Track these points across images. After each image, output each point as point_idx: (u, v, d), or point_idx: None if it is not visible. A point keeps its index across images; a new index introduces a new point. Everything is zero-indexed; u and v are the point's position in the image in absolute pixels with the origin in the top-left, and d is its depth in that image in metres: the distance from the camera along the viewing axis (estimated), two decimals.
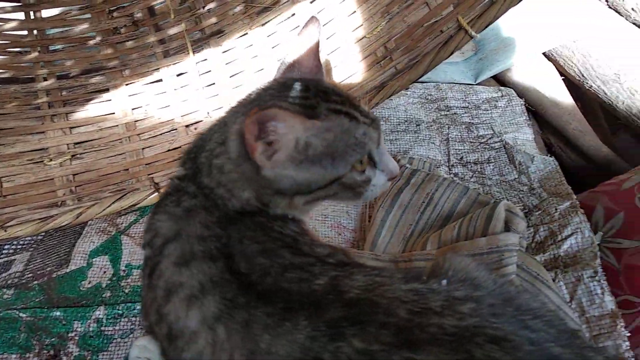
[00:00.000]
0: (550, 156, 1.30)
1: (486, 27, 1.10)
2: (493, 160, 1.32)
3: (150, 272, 0.65)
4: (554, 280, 1.00)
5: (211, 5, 1.43)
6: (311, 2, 1.35)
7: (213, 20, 1.42)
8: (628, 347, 0.90)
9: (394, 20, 1.24)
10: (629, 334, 0.91)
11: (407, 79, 1.17)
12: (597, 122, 1.66)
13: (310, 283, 0.59)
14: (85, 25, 1.43)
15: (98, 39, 1.43)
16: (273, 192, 0.69)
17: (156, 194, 1.25)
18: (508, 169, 1.30)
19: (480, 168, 1.31)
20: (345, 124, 0.68)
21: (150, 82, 1.40)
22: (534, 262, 1.02)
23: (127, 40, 1.43)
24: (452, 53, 1.14)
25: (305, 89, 0.71)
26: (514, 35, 1.65)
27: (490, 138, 1.38)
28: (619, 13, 1.65)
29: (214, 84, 1.38)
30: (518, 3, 1.06)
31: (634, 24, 1.64)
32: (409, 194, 1.20)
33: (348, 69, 1.27)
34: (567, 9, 1.65)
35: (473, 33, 1.10)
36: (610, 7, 1.67)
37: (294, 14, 1.35)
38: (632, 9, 1.64)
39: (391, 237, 1.15)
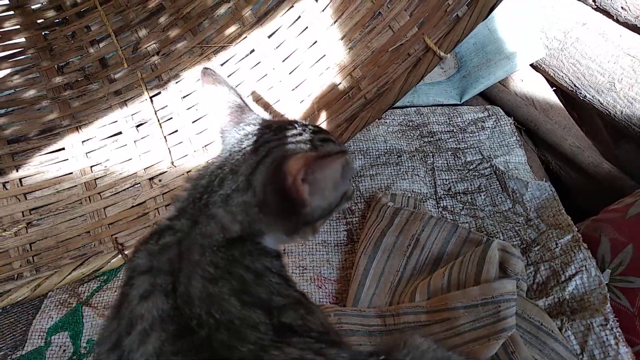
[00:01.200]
0: (545, 180, 1.19)
1: (455, 45, 0.99)
2: (484, 189, 1.21)
3: (119, 303, 0.62)
4: (560, 329, 0.89)
5: (165, 51, 1.34)
6: (269, 37, 1.25)
7: (169, 65, 1.32)
8: None
9: (357, 48, 1.14)
10: None
11: (377, 109, 1.06)
12: (597, 134, 1.55)
13: (233, 351, 0.54)
14: (34, 86, 1.34)
15: (49, 98, 1.33)
16: (302, 224, 0.72)
17: (120, 255, 1.15)
18: (501, 197, 1.18)
19: (471, 198, 1.20)
20: (337, 146, 0.76)
21: (109, 137, 1.30)
22: (536, 309, 0.90)
23: (80, 95, 1.34)
24: (422, 77, 1.03)
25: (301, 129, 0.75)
26: (498, 48, 1.55)
27: (479, 164, 1.26)
28: (608, 14, 1.55)
29: (176, 131, 1.29)
30: (485, 18, 0.95)
31: (624, 23, 1.53)
32: (393, 237, 1.08)
33: (316, 102, 1.17)
34: (551, 16, 1.55)
35: (442, 53, 0.99)
36: (597, 9, 1.56)
37: (253, 51, 1.26)
38: (622, 7, 1.53)
39: (376, 288, 1.04)
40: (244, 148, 0.72)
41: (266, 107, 1.21)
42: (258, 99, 1.23)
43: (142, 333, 0.56)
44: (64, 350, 1.04)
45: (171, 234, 0.66)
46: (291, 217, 0.69)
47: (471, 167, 1.26)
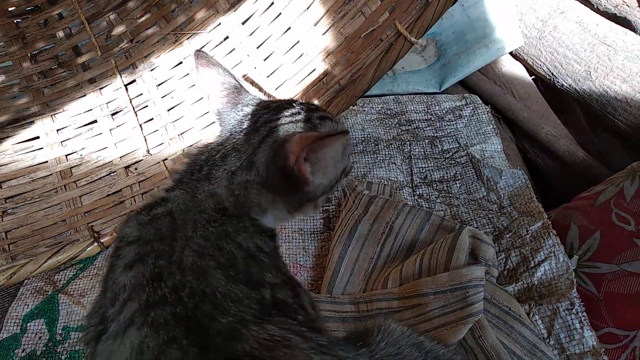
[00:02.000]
0: (519, 169, 1.20)
1: (425, 31, 0.99)
2: (460, 177, 1.22)
3: (105, 275, 0.63)
4: (528, 314, 0.90)
5: (139, 38, 1.33)
6: (243, 24, 1.25)
7: (143, 52, 1.31)
8: None
9: (330, 34, 1.13)
10: None
11: (351, 95, 1.07)
12: (576, 123, 1.56)
13: (214, 322, 0.53)
14: (6, 74, 1.32)
15: (22, 86, 1.32)
16: (305, 201, 0.74)
17: (96, 244, 1.15)
18: (476, 185, 1.19)
19: (447, 187, 1.21)
20: (335, 124, 0.78)
21: (84, 125, 1.29)
22: (505, 294, 0.91)
23: (54, 84, 1.33)
24: (394, 63, 1.03)
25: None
26: (477, 37, 1.55)
27: (455, 152, 1.27)
28: (587, 2, 1.55)
29: (152, 119, 1.28)
30: (454, 3, 0.96)
31: (604, 12, 1.54)
32: (368, 224, 1.09)
33: (290, 89, 1.17)
34: (530, 5, 1.55)
35: (412, 39, 0.99)
36: None
37: (227, 37, 1.25)
38: None
39: (350, 275, 1.05)
40: (245, 128, 0.74)
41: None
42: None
43: (122, 303, 0.56)
44: (40, 337, 1.04)
45: (164, 204, 0.67)
46: (294, 195, 0.72)
47: (447, 156, 1.27)
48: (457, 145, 1.29)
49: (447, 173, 1.23)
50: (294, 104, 0.77)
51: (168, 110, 1.28)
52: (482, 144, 1.29)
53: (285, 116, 0.74)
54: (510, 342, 0.86)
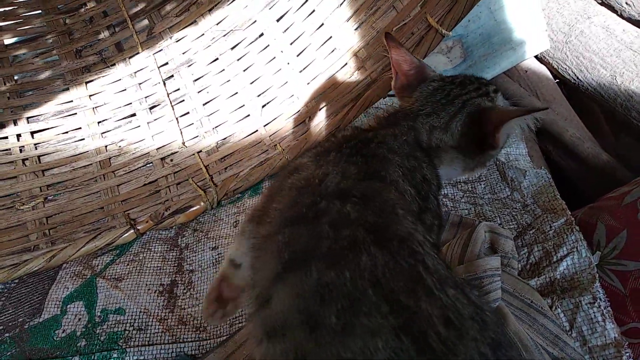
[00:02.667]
0: (542, 169, 1.22)
1: (456, 24, 1.04)
2: (484, 179, 1.25)
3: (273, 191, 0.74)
4: (551, 307, 0.93)
5: (178, 36, 1.38)
6: (277, 21, 1.29)
7: (181, 50, 1.37)
8: None
9: (363, 29, 1.18)
10: None
11: (382, 88, 1.11)
12: (598, 126, 1.58)
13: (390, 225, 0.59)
14: (52, 68, 1.39)
15: (67, 80, 1.38)
16: (482, 162, 0.86)
17: (132, 230, 1.20)
18: (500, 186, 1.22)
19: (472, 187, 1.24)
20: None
21: (124, 118, 1.35)
22: (527, 287, 0.94)
23: (97, 78, 1.39)
24: (426, 55, 1.08)
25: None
26: (504, 39, 1.58)
27: None
28: (612, 9, 1.57)
29: (188, 113, 1.33)
30: None
31: (628, 19, 1.56)
32: None
33: (323, 83, 1.21)
34: (557, 9, 1.57)
35: (444, 31, 1.04)
36: (602, 4, 1.59)
37: (262, 34, 1.30)
38: (627, 3, 1.56)
39: None
40: (440, 99, 0.85)
41: None
42: None
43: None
44: (79, 319, 1.09)
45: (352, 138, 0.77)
46: (475, 157, 0.84)
47: None
48: None
49: (471, 177, 1.26)
50: (472, 79, 0.88)
51: (203, 104, 1.33)
52: (507, 147, 1.31)
53: (471, 90, 0.84)
54: (533, 332, 0.88)
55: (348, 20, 1.20)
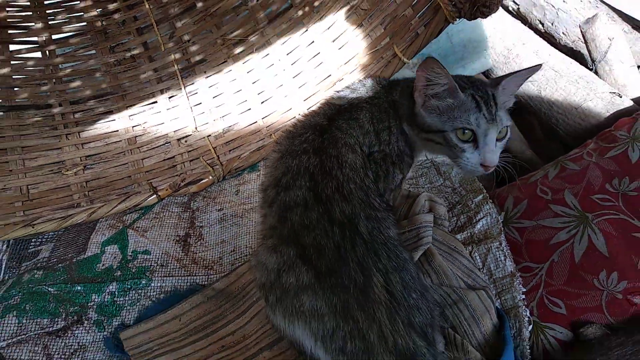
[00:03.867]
0: None
1: (414, 54, 1.38)
2: (424, 175, 1.59)
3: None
4: (470, 253, 1.28)
5: (194, 40, 1.72)
6: (283, 44, 1.64)
7: (197, 51, 1.71)
8: (523, 299, 1.16)
9: (345, 49, 1.54)
10: (524, 290, 1.18)
11: None
12: (533, 131, 1.95)
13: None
14: (91, 60, 1.71)
15: (103, 70, 1.71)
16: (414, 123, 1.06)
17: (154, 196, 1.52)
18: (436, 178, 1.57)
19: (415, 181, 1.58)
20: (468, 103, 1.01)
21: (147, 104, 1.68)
22: (453, 238, 1.29)
23: (127, 70, 1.72)
24: (392, 74, 1.42)
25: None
26: (457, 58, 1.94)
27: (424, 161, 1.64)
28: (552, 37, 1.95)
29: (200, 103, 1.67)
30: (437, 35, 1.35)
31: (564, 46, 1.94)
32: None
33: (311, 88, 1.56)
34: (499, 36, 1.95)
35: (405, 59, 1.38)
36: (542, 33, 1.97)
37: (267, 54, 1.65)
38: (563, 32, 1.94)
39: None
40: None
41: None
42: None
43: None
44: (115, 257, 1.40)
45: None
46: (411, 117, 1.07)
47: (418, 165, 1.64)
48: (425, 158, 1.66)
49: (416, 174, 1.60)
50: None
51: (213, 97, 1.66)
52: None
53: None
54: (454, 267, 1.23)
55: (334, 41, 1.55)
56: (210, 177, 1.55)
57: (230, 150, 1.61)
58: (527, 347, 1.11)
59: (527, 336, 1.12)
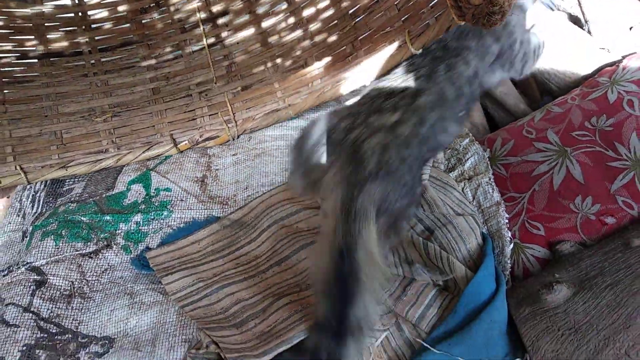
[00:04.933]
0: None
1: (423, 46, 1.40)
2: None
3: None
4: (462, 189, 1.40)
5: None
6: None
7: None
8: (507, 223, 1.29)
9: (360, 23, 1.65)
10: (508, 217, 1.31)
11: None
12: (528, 89, 2.06)
13: None
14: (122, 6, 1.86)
15: (129, 17, 1.85)
16: None
17: (175, 147, 1.65)
18: None
19: None
20: None
21: (171, 54, 1.82)
22: (446, 175, 1.43)
23: (151, 19, 1.86)
24: (398, 64, 1.39)
25: None
26: None
27: None
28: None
29: (222, 57, 1.80)
30: (446, 31, 1.30)
31: (563, 11, 2.04)
32: None
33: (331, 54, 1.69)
34: None
35: (413, 50, 1.42)
36: None
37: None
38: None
39: None
40: None
41: None
42: None
43: None
44: (139, 193, 1.55)
45: None
46: None
47: None
48: None
49: None
50: None
51: (234, 53, 1.80)
52: None
53: None
54: (446, 198, 1.36)
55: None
56: (226, 135, 1.67)
57: (246, 109, 1.73)
58: (508, 262, 1.24)
59: (508, 253, 1.24)
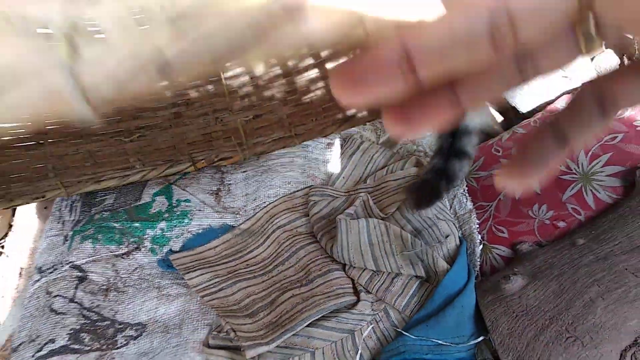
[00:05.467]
0: None
1: None
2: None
3: None
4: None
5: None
6: None
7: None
8: (477, 227, 1.52)
9: None
10: (478, 222, 1.54)
11: None
12: (506, 113, 2.30)
13: None
14: None
15: None
16: None
17: (193, 165, 1.90)
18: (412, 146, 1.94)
19: None
20: None
21: (191, 86, 2.08)
22: None
23: None
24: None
25: None
26: None
27: None
28: None
29: (236, 88, 2.06)
30: None
31: None
32: (359, 156, 1.85)
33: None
34: None
35: None
36: None
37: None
38: None
39: (345, 182, 1.80)
40: None
41: None
42: None
43: None
44: (163, 204, 1.79)
45: None
46: None
47: None
48: None
49: None
50: None
51: (246, 85, 2.05)
52: None
53: None
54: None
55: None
56: (238, 157, 1.90)
57: (256, 136, 1.94)
58: (478, 260, 1.46)
59: (478, 252, 1.47)
